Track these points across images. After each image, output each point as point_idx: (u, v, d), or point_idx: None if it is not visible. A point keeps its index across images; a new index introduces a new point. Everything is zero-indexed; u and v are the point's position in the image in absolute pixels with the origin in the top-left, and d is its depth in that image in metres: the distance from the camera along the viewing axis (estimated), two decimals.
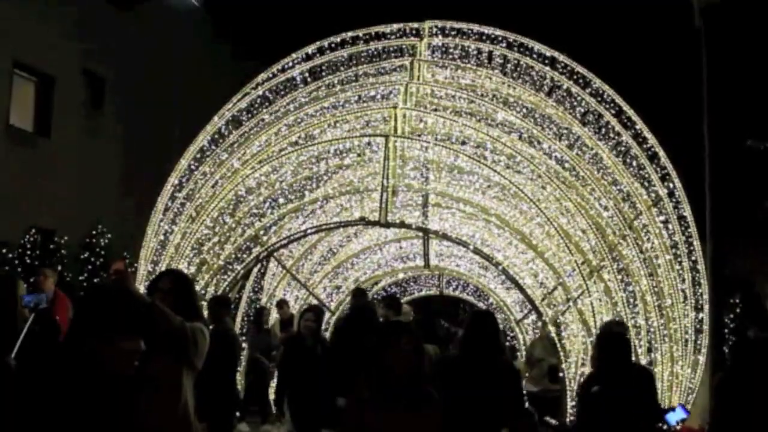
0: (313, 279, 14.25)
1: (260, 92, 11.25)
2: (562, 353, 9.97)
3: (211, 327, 8.20)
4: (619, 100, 11.08)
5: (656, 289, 10.05)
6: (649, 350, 9.74)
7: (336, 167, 10.60)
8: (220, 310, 8.23)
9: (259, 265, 11.84)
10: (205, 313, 9.23)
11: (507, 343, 13.61)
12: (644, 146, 10.95)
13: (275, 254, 11.76)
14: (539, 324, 10.93)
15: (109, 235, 17.54)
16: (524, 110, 10.84)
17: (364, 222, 10.09)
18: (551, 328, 10.27)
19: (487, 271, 14.99)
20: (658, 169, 10.92)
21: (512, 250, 11.56)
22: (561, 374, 9.95)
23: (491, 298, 15.78)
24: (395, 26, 11.55)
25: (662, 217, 10.66)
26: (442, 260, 15.20)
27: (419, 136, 10.31)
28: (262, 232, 10.41)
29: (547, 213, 9.64)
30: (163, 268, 9.96)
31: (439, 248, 14.51)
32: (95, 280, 16.07)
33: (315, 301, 13.35)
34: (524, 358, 12.33)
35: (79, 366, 2.85)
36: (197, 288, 9.84)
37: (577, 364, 9.98)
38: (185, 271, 9.86)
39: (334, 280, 14.99)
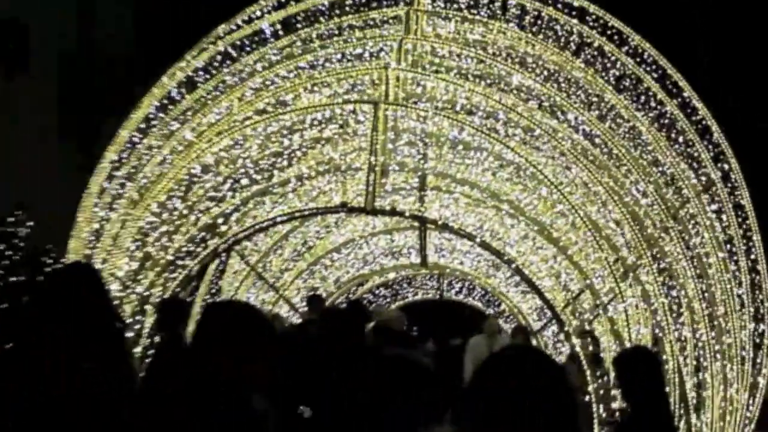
0: (283, 279, 14.33)
1: (220, 48, 11.27)
2: (589, 374, 9.77)
3: (159, 337, 8.86)
4: (662, 62, 11.18)
5: (706, 295, 10.15)
6: (697, 370, 9.83)
7: (313, 141, 10.68)
8: (171, 318, 8.37)
9: (216, 261, 11.83)
10: (151, 320, 9.88)
11: None
12: (693, 119, 11.11)
13: (237, 248, 11.88)
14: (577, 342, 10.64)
15: (31, 223, 17.30)
16: (545, 73, 10.95)
17: (347, 209, 10.17)
18: (575, 341, 10.15)
19: (498, 271, 15.19)
20: (711, 147, 11.09)
21: (528, 245, 11.76)
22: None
23: (503, 304, 15.87)
24: None
25: (714, 206, 10.83)
26: (443, 257, 15.35)
27: (416, 103, 10.39)
28: (220, 221, 10.47)
29: (572, 199, 9.69)
30: (99, 263, 10.00)
31: (438, 242, 14.62)
32: (13, 279, 15.97)
33: (285, 307, 13.71)
34: None
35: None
36: (140, 289, 10.13)
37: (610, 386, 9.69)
38: (125, 267, 10.22)
39: (310, 281, 15.15)
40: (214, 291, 12.16)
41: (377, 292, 17.44)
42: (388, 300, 18.35)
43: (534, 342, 14.80)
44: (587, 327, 10.50)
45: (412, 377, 3.48)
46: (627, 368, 5.91)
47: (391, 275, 17.18)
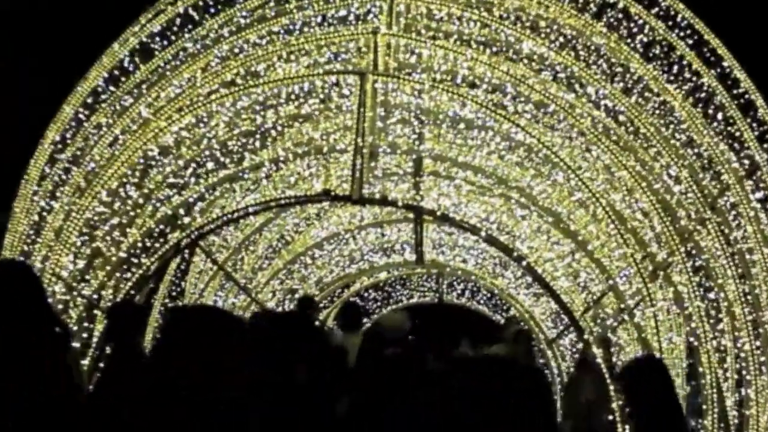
0: (256, 279, 14.31)
1: (180, 9, 11.04)
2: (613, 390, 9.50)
3: (110, 347, 8.73)
4: (698, 26, 11.04)
5: (749, 297, 10.06)
6: (739, 385, 9.80)
7: (290, 119, 10.53)
8: (125, 324, 8.14)
9: (178, 259, 11.72)
10: (100, 327, 9.72)
11: None
12: (734, 92, 10.93)
13: (202, 243, 11.80)
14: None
15: None
16: (561, 39, 10.85)
17: (330, 197, 10.05)
18: (596, 352, 9.84)
19: (506, 270, 15.13)
20: (755, 125, 10.86)
21: (542, 240, 11.66)
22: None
23: (512, 309, 15.90)
24: None
25: (759, 194, 10.64)
26: (442, 254, 15.33)
27: (409, 74, 10.23)
28: (182, 211, 10.32)
29: (592, 186, 9.56)
30: (39, 262, 9.96)
31: (437, 236, 14.67)
32: None
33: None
34: (563, 402, 12.24)
35: None
36: (88, 291, 9.97)
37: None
38: (70, 266, 9.98)
39: (288, 282, 15.10)
40: (175, 293, 12.24)
41: (366, 294, 17.47)
42: (379, 303, 18.41)
43: (549, 353, 14.88)
44: (610, 335, 10.26)
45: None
46: (633, 379, 6.11)
47: (383, 275, 17.21)
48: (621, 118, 10.30)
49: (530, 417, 3.02)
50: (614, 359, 9.97)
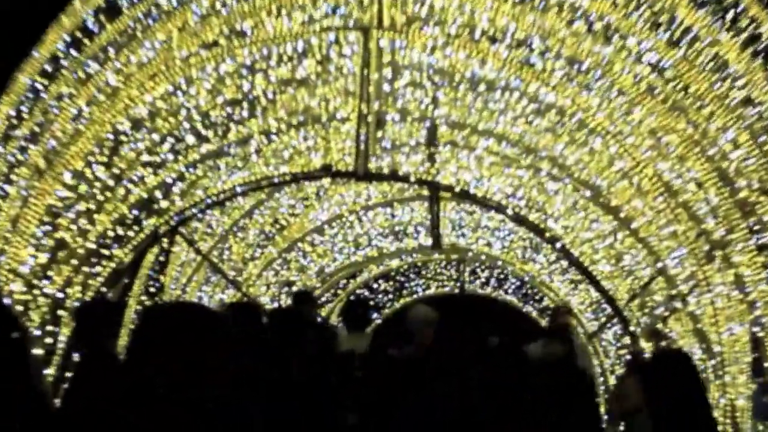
0: (247, 271, 14.26)
1: None
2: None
3: (79, 353, 8.49)
4: None
5: None
6: None
7: (282, 84, 10.32)
8: (95, 326, 7.74)
9: (155, 249, 11.48)
10: (67, 331, 9.62)
11: None
12: None
13: (183, 230, 11.80)
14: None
15: None
16: None
17: (331, 173, 10.18)
18: (644, 346, 10.03)
19: (538, 254, 15.10)
20: None
21: (579, 218, 11.65)
22: None
23: (545, 299, 15.89)
24: None
25: None
26: (462, 236, 15.30)
27: (420, 29, 9.83)
28: (159, 194, 10.36)
29: (636, 154, 9.41)
30: None
31: (456, 216, 14.67)
32: None
33: None
34: (609, 405, 12.16)
35: None
36: (51, 289, 9.75)
37: None
38: (30, 261, 9.79)
39: (284, 273, 15.08)
40: (153, 290, 11.84)
41: (375, 286, 17.12)
42: (391, 296, 18.44)
43: (591, 348, 14.63)
44: (660, 327, 10.43)
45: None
46: (650, 373, 6.03)
47: (394, 263, 17.10)
48: (668, 74, 9.72)
49: (546, 412, 3.49)
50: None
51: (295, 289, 14.99)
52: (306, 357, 7.23)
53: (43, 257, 9.67)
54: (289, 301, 14.39)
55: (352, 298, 16.52)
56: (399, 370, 7.69)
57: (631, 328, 10.14)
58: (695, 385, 5.91)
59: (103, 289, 9.93)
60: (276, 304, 14.56)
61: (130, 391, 3.41)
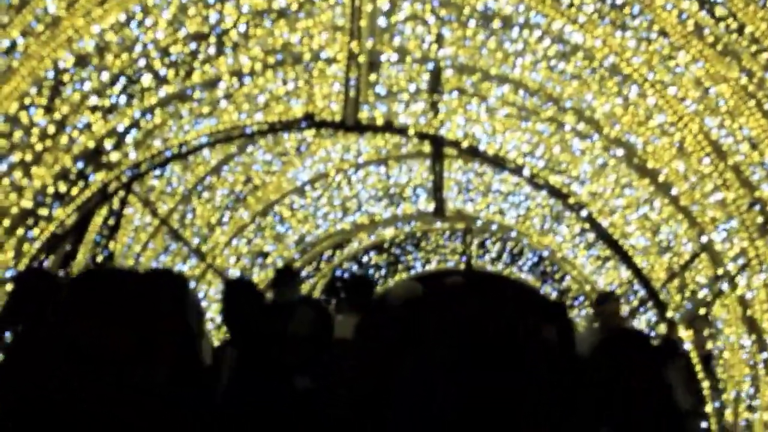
0: (214, 238, 13.80)
1: None
2: (709, 387, 9.76)
3: (12, 331, 8.01)
4: None
5: None
6: None
7: (256, 16, 10.19)
8: (31, 300, 7.24)
9: (105, 210, 11.16)
10: None
11: None
12: None
13: (137, 189, 11.68)
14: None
15: None
16: None
17: (315, 124, 10.18)
18: (683, 335, 9.83)
19: (560, 224, 14.90)
20: None
21: (609, 182, 11.54)
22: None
23: (567, 277, 15.71)
24: None
25: None
26: (470, 202, 15.14)
27: None
28: (109, 144, 10.15)
29: (679, 107, 9.37)
30: None
31: (463, 177, 14.44)
32: None
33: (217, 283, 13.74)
34: None
35: None
36: None
37: (736, 409, 9.72)
38: None
39: (256, 241, 14.79)
40: (101, 258, 11.41)
41: (366, 259, 16.67)
42: (384, 272, 17.98)
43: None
44: (703, 312, 10.34)
45: None
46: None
47: (388, 232, 16.70)
48: (718, 11, 9.38)
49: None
50: (709, 346, 10.27)
51: (270, 261, 14.79)
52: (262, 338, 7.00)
53: None
54: (264, 274, 14.46)
55: (353, 273, 16.27)
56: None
57: (669, 314, 9.99)
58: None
59: (42, 257, 9.85)
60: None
61: (70, 375, 3.29)
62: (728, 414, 9.78)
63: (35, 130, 9.56)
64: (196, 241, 13.63)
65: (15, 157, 9.50)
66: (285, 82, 10.52)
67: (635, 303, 13.69)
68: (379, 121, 9.78)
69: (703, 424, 9.58)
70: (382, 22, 9.62)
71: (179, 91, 10.21)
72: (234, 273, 14.29)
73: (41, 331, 7.51)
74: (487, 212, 15.54)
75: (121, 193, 11.13)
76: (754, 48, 9.38)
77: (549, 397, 6.81)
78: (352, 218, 15.87)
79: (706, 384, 9.70)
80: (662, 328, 11.19)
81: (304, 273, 16.19)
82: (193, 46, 10.02)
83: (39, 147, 9.64)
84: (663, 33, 9.36)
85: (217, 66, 10.13)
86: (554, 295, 15.84)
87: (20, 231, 9.59)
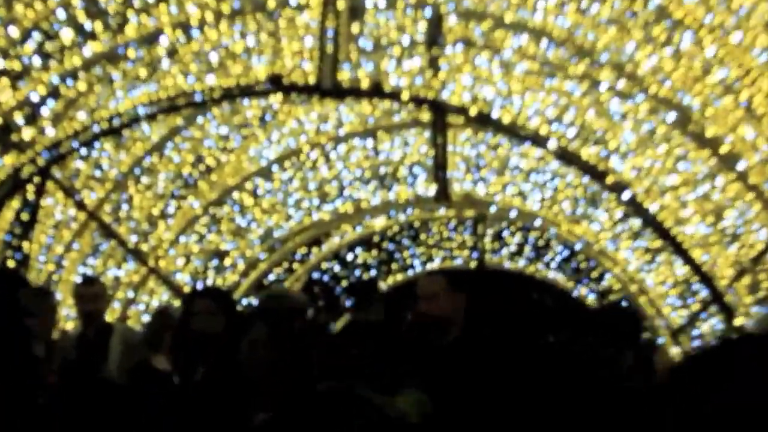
0: (156, 235, 13.09)
1: None
2: None
3: None
4: None
5: None
6: None
7: None
8: None
9: (18, 200, 10.92)
10: None
11: None
12: None
13: (59, 174, 11.37)
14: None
15: None
16: None
17: (282, 88, 10.18)
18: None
19: (596, 208, 13.94)
20: None
21: (657, 155, 10.99)
22: None
23: (607, 276, 14.81)
24: None
25: None
26: (482, 182, 14.33)
27: None
28: (21, 119, 10.22)
29: (744, 60, 9.25)
30: None
31: (472, 152, 13.71)
32: None
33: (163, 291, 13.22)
34: None
35: None
36: None
37: None
38: None
39: (210, 237, 14.13)
40: (12, 261, 10.88)
41: (350, 257, 15.74)
42: (373, 272, 16.72)
43: (674, 350, 13.06)
44: None
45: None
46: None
47: (378, 222, 15.78)
48: None
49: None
50: None
51: (228, 262, 13.59)
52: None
53: None
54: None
55: (358, 281, 15.38)
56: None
57: (737, 321, 9.88)
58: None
59: None
60: (199, 285, 13.06)
61: None
62: None
63: None
64: (133, 238, 12.75)
65: None
66: (244, 36, 9.93)
67: (695, 306, 12.65)
68: (364, 84, 9.33)
69: None
70: None
71: (109, 49, 9.71)
72: (182, 278, 13.34)
73: None
74: (504, 195, 14.31)
75: (37, 179, 10.51)
76: None
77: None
78: (332, 206, 14.73)
79: None
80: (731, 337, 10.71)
81: (272, 276, 15.04)
82: None
83: None
84: None
85: (156, 16, 9.55)
86: (591, 297, 14.58)
87: None
